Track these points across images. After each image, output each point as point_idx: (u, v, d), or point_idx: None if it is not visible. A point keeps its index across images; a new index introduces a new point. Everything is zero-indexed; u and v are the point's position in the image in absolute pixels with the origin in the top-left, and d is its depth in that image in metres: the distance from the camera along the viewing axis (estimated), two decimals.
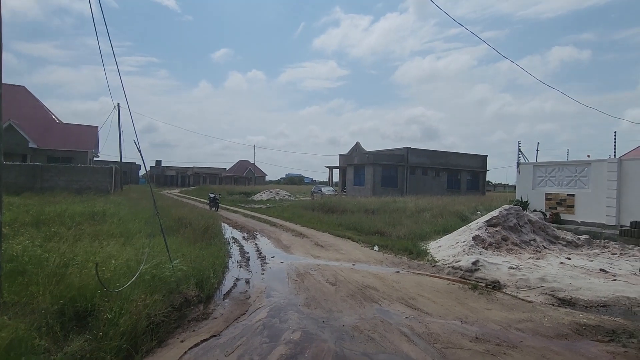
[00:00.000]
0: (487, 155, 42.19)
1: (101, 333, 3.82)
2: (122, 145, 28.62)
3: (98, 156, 37.10)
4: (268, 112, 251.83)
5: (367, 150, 42.19)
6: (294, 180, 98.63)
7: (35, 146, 28.00)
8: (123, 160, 31.66)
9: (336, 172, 46.76)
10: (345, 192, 39.32)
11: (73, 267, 5.16)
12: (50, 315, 4.03)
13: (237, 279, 7.42)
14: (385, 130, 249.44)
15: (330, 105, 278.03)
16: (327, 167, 48.14)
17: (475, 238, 8.87)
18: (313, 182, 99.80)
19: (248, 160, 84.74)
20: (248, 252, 10.07)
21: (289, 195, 36.78)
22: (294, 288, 6.80)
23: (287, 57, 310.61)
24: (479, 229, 9.39)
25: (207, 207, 22.07)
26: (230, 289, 6.73)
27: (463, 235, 9.45)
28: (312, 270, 8.11)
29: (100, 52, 17.78)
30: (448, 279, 7.55)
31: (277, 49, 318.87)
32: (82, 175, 24.98)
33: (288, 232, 13.94)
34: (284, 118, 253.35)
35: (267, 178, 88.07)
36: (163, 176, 63.92)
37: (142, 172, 66.40)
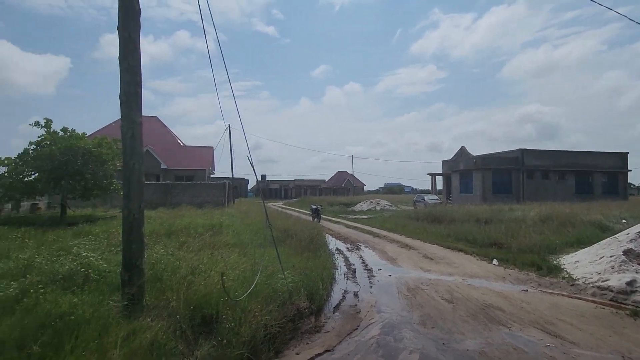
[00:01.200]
0: (627, 153, 35.48)
1: (225, 340, 3.99)
2: (233, 162, 31.47)
3: (214, 173, 41.56)
4: (365, 122, 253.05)
5: (474, 154, 39.09)
6: (393, 190, 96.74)
7: (165, 167, 32.55)
8: (234, 176, 34.91)
9: (439, 179, 44.29)
10: (450, 200, 36.92)
11: (198, 275, 5.60)
12: (183, 320, 4.37)
13: (345, 292, 7.29)
14: (493, 132, 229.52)
15: (430, 110, 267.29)
16: (429, 174, 45.82)
17: (627, 252, 7.29)
18: (414, 190, 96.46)
19: (346, 171, 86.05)
20: (354, 264, 9.93)
21: (390, 205, 35.97)
22: (406, 304, 6.38)
23: (383, 65, 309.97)
24: (631, 241, 7.70)
25: (310, 218, 22.78)
26: (340, 302, 6.62)
27: (609, 248, 7.87)
28: (423, 285, 7.57)
29: (214, 82, 19.86)
30: (594, 302, 6.29)
31: (373, 59, 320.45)
32: (201, 191, 28.14)
33: (393, 244, 13.46)
34: (381, 127, 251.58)
35: (365, 188, 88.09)
36: (268, 190, 68.81)
37: (250, 186, 72.40)
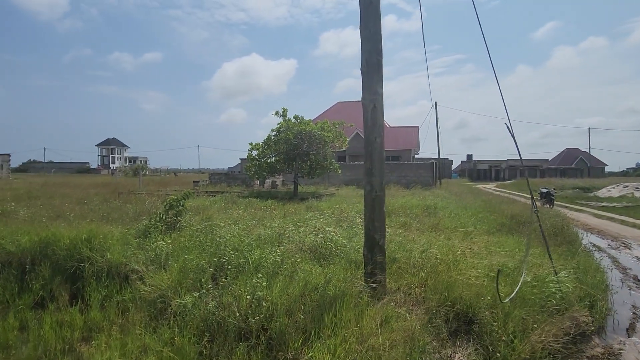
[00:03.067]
0: None
1: (498, 354, 3.16)
2: (439, 141, 29.89)
3: (418, 153, 40.88)
4: (608, 85, 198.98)
5: None
6: None
7: None
8: (438, 156, 33.29)
9: None
10: None
11: (443, 264, 4.93)
12: (436, 314, 3.80)
13: (635, 307, 5.26)
14: None
15: None
16: None
17: None
18: None
19: (577, 148, 69.78)
20: (630, 268, 7.34)
21: None
22: None
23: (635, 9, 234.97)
24: None
25: (537, 203, 19.11)
26: (633, 321, 4.76)
27: None
28: None
29: (426, 60, 18.61)
30: None
31: (622, 2, 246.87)
32: (408, 171, 27.95)
33: None
34: (632, 90, 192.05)
35: (606, 169, 69.35)
36: (475, 170, 63.25)
37: (453, 167, 68.35)
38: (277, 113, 17.39)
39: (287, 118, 17.57)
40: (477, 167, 65.87)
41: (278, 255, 5.41)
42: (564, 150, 72.10)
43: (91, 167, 75.68)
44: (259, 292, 3.94)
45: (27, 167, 66.19)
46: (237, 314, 3.66)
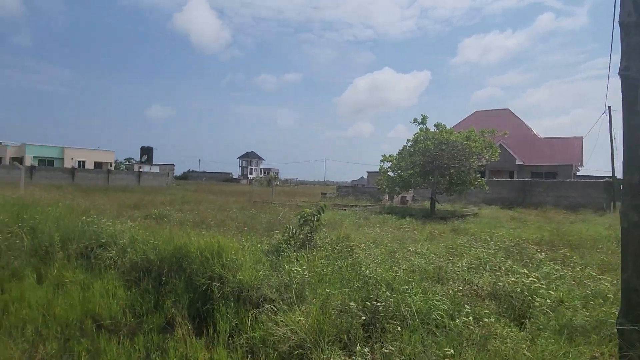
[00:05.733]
0: None
1: None
2: (613, 154, 23.80)
3: (579, 170, 33.75)
4: None
5: None
6: None
7: (520, 162, 29.19)
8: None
9: None
10: None
11: None
12: None
13: None
14: None
15: None
16: None
17: None
18: None
19: None
20: None
21: None
22: None
23: None
24: None
25: None
26: None
27: None
28: None
29: (609, 60, 14.65)
30: None
31: None
32: (571, 191, 22.84)
33: None
34: None
35: None
36: None
37: None
38: (415, 120, 15.73)
39: (425, 127, 15.76)
40: None
41: (445, 303, 3.84)
42: None
43: (233, 177, 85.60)
44: None
45: (186, 176, 78.43)
46: None
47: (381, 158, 17.21)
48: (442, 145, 14.87)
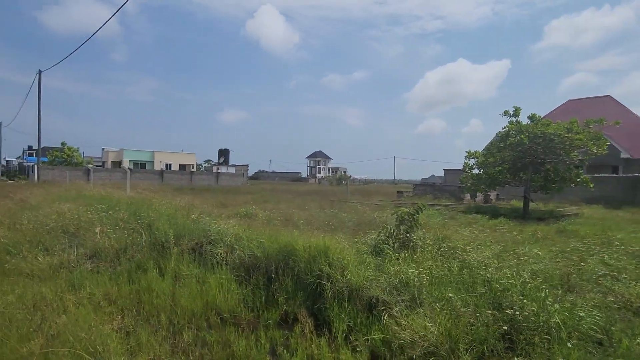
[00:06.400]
0: None
1: None
2: None
3: None
4: None
5: None
6: None
7: (627, 156, 25.68)
8: None
9: None
10: None
11: None
12: None
13: None
14: None
15: None
16: None
17: None
18: None
19: None
20: None
21: None
22: None
23: None
24: None
25: None
26: None
27: None
28: None
29: None
30: None
31: None
32: None
33: None
34: None
35: None
36: None
37: None
38: (506, 112, 14.54)
39: (516, 119, 14.50)
40: None
41: (597, 315, 3.38)
42: None
43: (302, 176, 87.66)
44: None
45: (258, 176, 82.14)
46: None
47: (465, 154, 16.23)
48: (537, 138, 13.55)
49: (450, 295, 3.83)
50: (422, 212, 6.95)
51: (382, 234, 6.70)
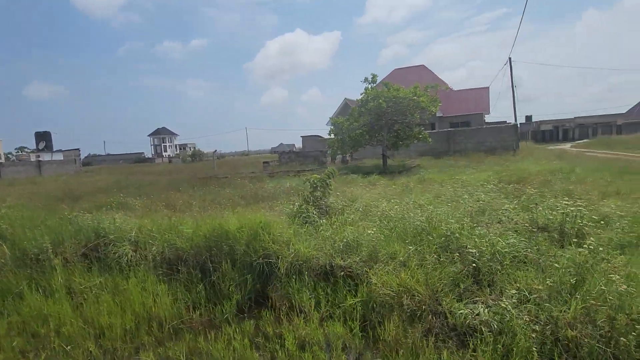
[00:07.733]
0: None
1: None
2: (515, 101, 27.22)
3: (485, 118, 37.93)
4: None
5: None
6: None
7: (440, 114, 31.75)
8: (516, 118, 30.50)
9: None
10: None
11: None
12: None
13: None
14: None
15: None
16: None
17: None
18: None
19: None
20: None
21: None
22: None
23: None
24: None
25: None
26: None
27: None
28: None
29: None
30: None
31: None
32: (487, 136, 25.70)
33: None
34: None
35: None
36: (540, 132, 58.44)
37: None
38: (365, 79, 15.95)
39: (372, 86, 16.11)
40: (541, 128, 60.98)
41: (523, 241, 4.14)
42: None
43: (146, 156, 78.49)
44: None
45: (90, 161, 69.62)
46: None
47: (329, 121, 17.31)
48: (390, 102, 15.44)
49: (411, 248, 4.14)
50: (333, 178, 7.19)
51: (299, 203, 6.71)
